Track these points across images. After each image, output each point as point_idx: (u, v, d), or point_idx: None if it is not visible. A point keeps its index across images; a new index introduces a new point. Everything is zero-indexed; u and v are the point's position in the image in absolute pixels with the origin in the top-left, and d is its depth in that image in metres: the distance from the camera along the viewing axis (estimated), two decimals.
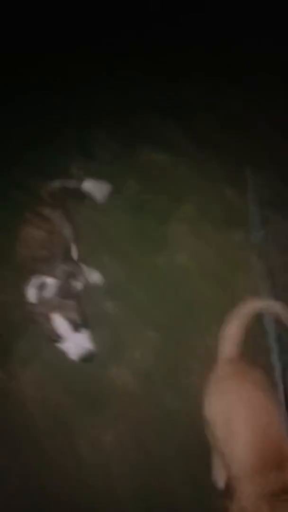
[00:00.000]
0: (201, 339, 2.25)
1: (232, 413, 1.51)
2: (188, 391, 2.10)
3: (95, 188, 2.60)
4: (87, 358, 1.81)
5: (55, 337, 1.77)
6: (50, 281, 1.82)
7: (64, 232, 2.17)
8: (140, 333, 2.32)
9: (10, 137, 3.13)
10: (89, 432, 2.06)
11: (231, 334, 1.69)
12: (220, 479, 1.83)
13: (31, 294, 1.83)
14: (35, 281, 1.85)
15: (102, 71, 3.29)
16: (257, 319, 1.60)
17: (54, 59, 3.33)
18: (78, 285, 2.02)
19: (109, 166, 2.94)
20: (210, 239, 2.62)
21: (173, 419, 2.05)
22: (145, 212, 2.76)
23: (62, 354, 1.94)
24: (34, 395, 2.17)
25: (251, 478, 1.38)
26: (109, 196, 2.75)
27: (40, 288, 1.82)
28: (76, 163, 2.88)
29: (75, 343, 1.79)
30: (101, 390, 2.16)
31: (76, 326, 1.78)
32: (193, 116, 3.10)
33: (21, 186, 2.67)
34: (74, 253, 2.31)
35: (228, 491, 1.49)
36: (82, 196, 2.59)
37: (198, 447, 1.88)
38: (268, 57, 3.23)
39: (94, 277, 2.40)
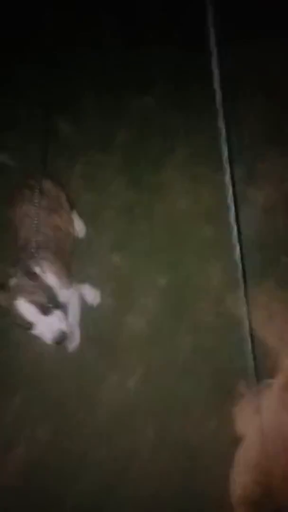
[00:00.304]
0: (206, 279, 2.35)
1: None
2: (200, 329, 2.22)
3: None
4: (61, 340, 1.74)
5: (26, 325, 1.70)
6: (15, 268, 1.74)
7: (61, 201, 2.15)
8: (149, 280, 2.41)
9: None
10: (111, 380, 2.20)
11: None
12: None
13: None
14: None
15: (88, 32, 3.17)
16: None
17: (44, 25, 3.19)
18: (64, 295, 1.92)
19: (98, 119, 2.90)
20: (206, 180, 2.60)
21: (189, 358, 2.19)
22: (139, 161, 2.74)
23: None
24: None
25: None
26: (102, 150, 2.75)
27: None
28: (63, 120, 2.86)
29: (47, 326, 1.71)
30: (119, 338, 2.28)
31: (45, 309, 1.70)
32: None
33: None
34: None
35: None
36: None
37: (216, 379, 2.01)
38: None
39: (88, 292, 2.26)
